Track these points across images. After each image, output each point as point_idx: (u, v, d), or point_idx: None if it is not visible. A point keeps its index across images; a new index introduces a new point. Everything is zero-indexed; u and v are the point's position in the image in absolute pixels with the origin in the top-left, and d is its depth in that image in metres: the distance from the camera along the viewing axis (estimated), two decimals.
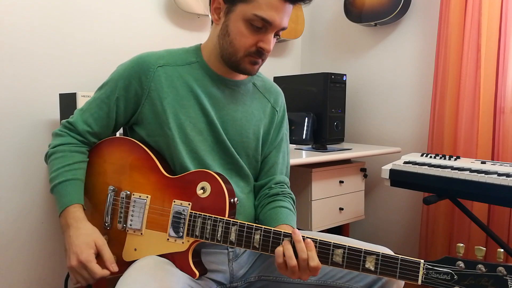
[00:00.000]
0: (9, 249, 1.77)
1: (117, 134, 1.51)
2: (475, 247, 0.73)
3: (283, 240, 0.83)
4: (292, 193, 1.08)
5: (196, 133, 0.99)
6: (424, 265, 0.74)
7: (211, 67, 1.01)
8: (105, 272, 0.87)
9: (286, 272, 0.82)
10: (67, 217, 0.92)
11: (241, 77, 1.06)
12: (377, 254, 0.77)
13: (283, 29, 0.95)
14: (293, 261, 0.80)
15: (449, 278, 0.72)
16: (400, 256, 0.76)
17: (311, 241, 0.80)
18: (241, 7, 0.91)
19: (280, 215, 0.98)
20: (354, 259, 0.78)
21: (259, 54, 0.95)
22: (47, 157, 1.01)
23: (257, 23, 0.91)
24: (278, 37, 0.98)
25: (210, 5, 0.99)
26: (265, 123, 1.08)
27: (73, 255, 0.87)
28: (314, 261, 0.79)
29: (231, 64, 0.97)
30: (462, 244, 0.75)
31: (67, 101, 1.65)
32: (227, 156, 1.02)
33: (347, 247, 0.79)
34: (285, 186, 1.09)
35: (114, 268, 0.89)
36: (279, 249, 0.82)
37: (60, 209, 0.93)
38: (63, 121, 1.04)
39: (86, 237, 0.89)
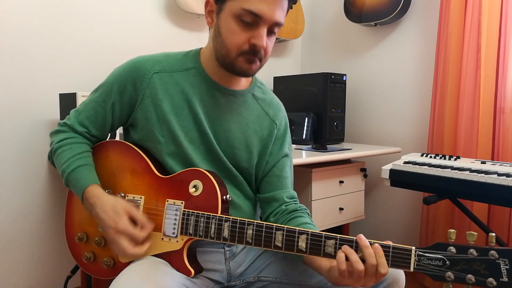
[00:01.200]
0: (9, 249, 1.77)
1: (117, 134, 1.52)
2: (467, 232, 0.73)
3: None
4: (305, 206, 1.06)
5: (189, 142, 0.97)
6: (415, 252, 0.74)
7: (209, 73, 0.99)
8: (145, 234, 0.88)
9: (349, 279, 0.77)
10: (89, 198, 0.92)
11: (240, 86, 1.03)
12: (369, 243, 0.77)
13: (278, 24, 0.89)
14: (361, 266, 0.75)
15: (441, 264, 0.72)
16: (391, 244, 0.76)
17: (379, 246, 0.76)
18: (230, 4, 0.88)
19: None
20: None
21: (253, 52, 0.89)
22: (53, 152, 1.01)
23: (246, 17, 0.87)
24: (274, 34, 0.92)
25: (204, 10, 0.97)
26: (261, 136, 1.05)
27: (110, 229, 0.87)
28: (385, 268, 0.75)
29: (226, 66, 0.93)
30: (453, 230, 0.74)
31: (67, 101, 1.65)
32: (219, 165, 1.01)
33: (338, 237, 0.79)
34: (298, 201, 1.07)
35: (150, 226, 0.90)
36: (340, 255, 0.77)
37: (79, 194, 0.94)
38: (60, 121, 1.04)
39: (113, 208, 0.89)
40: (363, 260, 0.76)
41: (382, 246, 0.76)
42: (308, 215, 1.04)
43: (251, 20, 0.87)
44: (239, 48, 0.89)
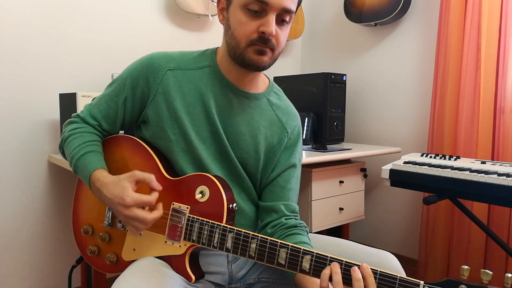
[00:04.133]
0: (9, 249, 1.77)
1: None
2: (481, 270, 0.68)
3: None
4: (305, 224, 1.03)
5: (199, 140, 0.96)
6: (424, 286, 0.69)
7: (223, 73, 0.97)
8: (155, 195, 0.86)
9: None
10: (95, 183, 0.90)
11: (255, 89, 1.01)
12: (375, 271, 0.74)
13: (287, 10, 0.87)
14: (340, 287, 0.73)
15: None
16: (398, 275, 0.72)
17: (371, 274, 0.73)
18: None
19: None
20: (351, 275, 0.75)
21: (263, 40, 0.87)
22: (63, 141, 1.00)
23: (253, 6, 0.86)
24: (287, 23, 0.90)
25: (217, 8, 0.96)
26: (271, 142, 1.02)
27: (119, 206, 0.84)
28: None
29: (236, 58, 0.91)
30: (467, 267, 0.69)
31: (67, 101, 1.65)
32: (230, 166, 0.99)
33: (344, 262, 0.76)
34: (298, 216, 1.04)
35: (158, 186, 0.87)
36: (325, 272, 0.75)
37: (87, 179, 0.92)
38: (74, 114, 1.04)
39: (117, 185, 0.86)
40: (349, 283, 0.74)
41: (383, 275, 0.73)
42: (307, 233, 1.01)
43: (259, 8, 0.86)
44: (248, 38, 0.88)
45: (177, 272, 0.89)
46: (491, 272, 0.68)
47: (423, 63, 2.21)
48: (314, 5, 2.74)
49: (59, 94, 1.73)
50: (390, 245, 2.39)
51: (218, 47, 1.01)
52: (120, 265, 0.95)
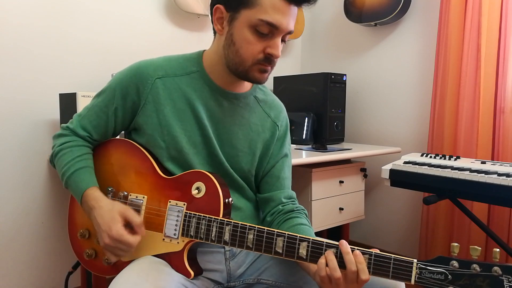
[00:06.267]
0: (9, 249, 1.77)
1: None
2: (470, 246, 0.72)
3: (325, 250, 0.79)
4: (303, 207, 1.06)
5: (191, 146, 0.98)
6: (417, 265, 0.73)
7: (212, 78, 0.99)
8: (137, 239, 0.88)
9: (329, 285, 0.78)
10: (88, 201, 0.92)
11: (242, 89, 1.03)
12: (369, 253, 0.77)
13: (290, 33, 0.91)
14: (337, 273, 0.76)
15: (443, 278, 0.71)
16: (393, 255, 0.75)
17: (360, 253, 0.77)
18: (245, 13, 0.87)
19: (301, 234, 0.95)
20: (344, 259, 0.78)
21: (268, 60, 0.91)
22: (54, 156, 1.02)
23: (263, 28, 0.87)
24: (284, 42, 0.93)
25: (212, 16, 0.95)
26: (264, 137, 1.06)
27: (104, 233, 0.87)
28: (366, 274, 0.76)
29: (239, 74, 0.94)
30: (456, 244, 0.74)
31: (67, 101, 1.65)
32: (220, 170, 1.01)
33: (338, 247, 0.79)
34: (296, 201, 1.07)
35: (143, 231, 0.90)
36: (321, 261, 0.78)
37: (79, 196, 0.94)
38: (63, 125, 1.04)
39: (109, 213, 0.89)
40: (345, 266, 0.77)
41: (364, 252, 0.77)
42: (306, 216, 1.04)
43: (267, 31, 0.88)
44: (254, 57, 0.90)
45: (175, 270, 0.89)
46: (479, 248, 0.72)
47: (423, 63, 2.21)
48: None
49: (59, 94, 1.73)
50: (390, 245, 2.39)
51: (204, 51, 1.02)
52: (118, 266, 0.96)
